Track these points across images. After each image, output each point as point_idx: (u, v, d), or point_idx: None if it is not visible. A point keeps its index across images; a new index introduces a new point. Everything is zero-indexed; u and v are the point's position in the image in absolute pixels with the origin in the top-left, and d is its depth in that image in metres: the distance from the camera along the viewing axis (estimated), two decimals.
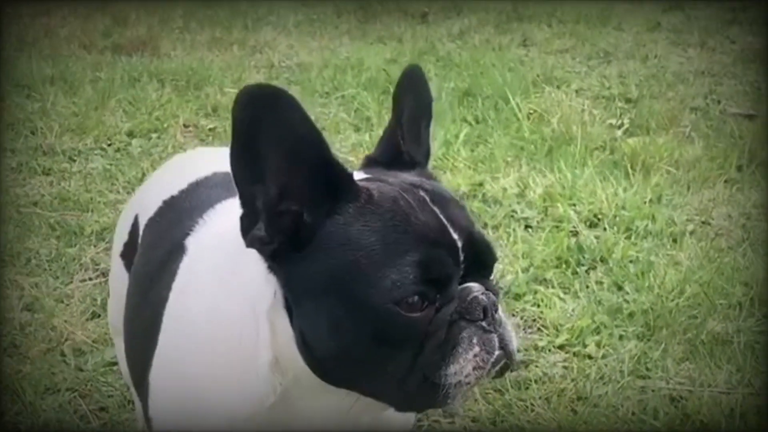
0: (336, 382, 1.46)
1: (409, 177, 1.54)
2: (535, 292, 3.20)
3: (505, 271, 3.30)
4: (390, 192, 1.45)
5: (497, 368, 1.44)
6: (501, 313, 1.46)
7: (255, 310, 1.47)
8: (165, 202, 1.96)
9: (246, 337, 1.48)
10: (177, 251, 1.70)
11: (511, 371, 1.68)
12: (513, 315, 3.06)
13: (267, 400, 1.50)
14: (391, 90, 1.64)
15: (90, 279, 3.24)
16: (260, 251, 1.43)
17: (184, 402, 1.55)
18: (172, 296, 1.62)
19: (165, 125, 4.73)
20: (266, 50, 6.41)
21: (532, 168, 4.26)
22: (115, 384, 2.68)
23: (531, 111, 4.99)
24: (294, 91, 1.38)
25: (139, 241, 2.00)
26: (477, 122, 4.87)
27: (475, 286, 1.44)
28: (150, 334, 1.63)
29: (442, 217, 1.43)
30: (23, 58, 5.84)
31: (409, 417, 1.82)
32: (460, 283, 1.43)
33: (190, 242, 1.70)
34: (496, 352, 1.42)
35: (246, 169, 1.38)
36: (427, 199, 1.45)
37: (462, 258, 1.42)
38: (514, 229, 3.64)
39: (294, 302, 1.43)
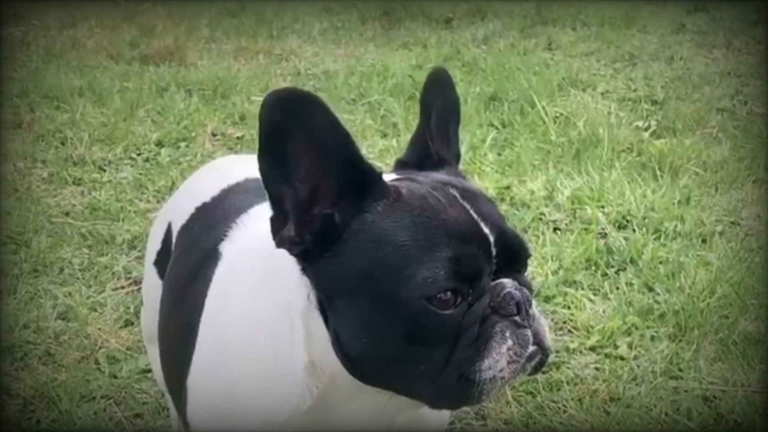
0: (371, 381, 1.46)
1: (439, 176, 1.55)
2: (565, 294, 3.20)
3: (535, 273, 3.30)
4: (419, 190, 1.45)
5: (532, 364, 1.44)
6: (535, 308, 1.45)
7: (290, 313, 1.48)
8: (198, 209, 1.98)
9: (281, 341, 1.49)
10: (211, 257, 1.72)
11: (544, 370, 1.68)
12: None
13: (303, 404, 1.51)
14: (417, 96, 1.65)
15: (122, 287, 3.27)
16: (290, 251, 1.43)
17: (222, 407, 1.57)
18: (208, 302, 1.64)
19: (193, 134, 4.76)
20: (292, 58, 6.44)
21: (559, 171, 4.25)
22: (150, 391, 2.70)
23: (557, 114, 4.98)
24: None
25: (173, 248, 2.02)
26: (503, 126, 4.87)
27: (508, 282, 1.43)
28: (186, 340, 1.65)
29: (472, 212, 1.43)
30: (51, 69, 5.90)
31: (444, 418, 1.82)
32: (493, 279, 1.43)
33: (225, 248, 1.71)
34: (530, 347, 1.42)
35: (274, 170, 1.38)
36: (457, 195, 1.45)
37: (494, 253, 1.42)
38: (542, 232, 3.64)
39: (327, 302, 1.43)
